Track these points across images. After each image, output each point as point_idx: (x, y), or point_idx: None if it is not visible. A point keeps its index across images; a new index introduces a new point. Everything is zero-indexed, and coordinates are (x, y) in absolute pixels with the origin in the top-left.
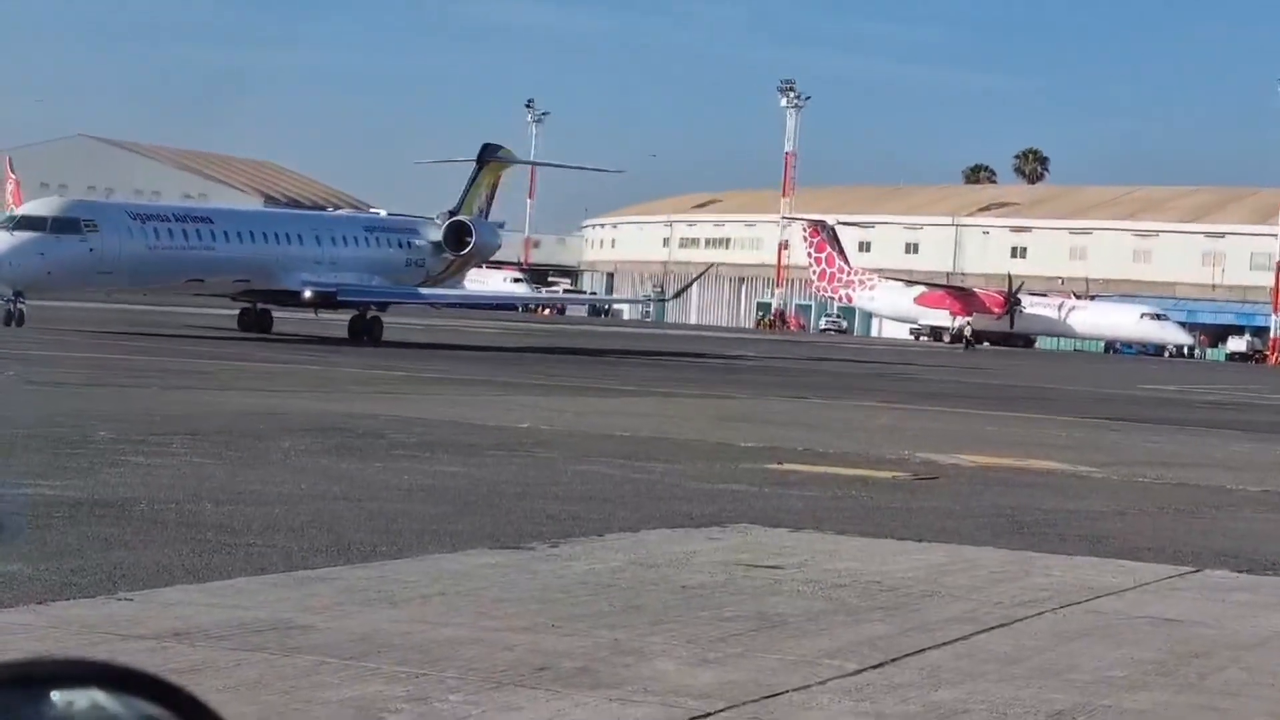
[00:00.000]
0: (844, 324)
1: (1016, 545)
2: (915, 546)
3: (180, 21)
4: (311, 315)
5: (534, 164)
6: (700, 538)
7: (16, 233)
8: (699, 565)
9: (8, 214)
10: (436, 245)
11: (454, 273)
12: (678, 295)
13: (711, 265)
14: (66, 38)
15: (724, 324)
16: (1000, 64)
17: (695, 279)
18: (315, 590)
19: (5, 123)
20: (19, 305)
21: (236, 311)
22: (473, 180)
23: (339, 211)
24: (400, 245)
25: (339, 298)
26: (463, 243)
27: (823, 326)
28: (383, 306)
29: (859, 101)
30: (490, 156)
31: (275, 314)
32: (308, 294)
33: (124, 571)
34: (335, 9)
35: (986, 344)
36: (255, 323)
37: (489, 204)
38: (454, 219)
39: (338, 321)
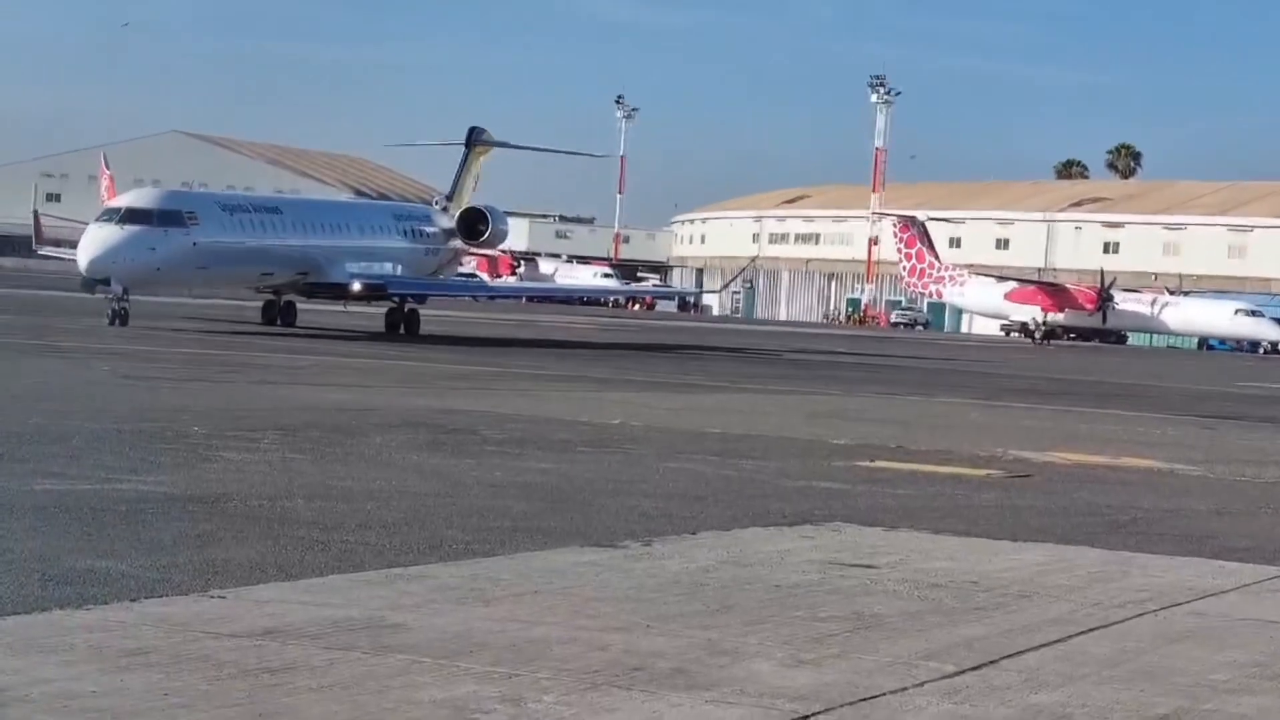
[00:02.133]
0: (922, 317)
1: (1114, 545)
2: (1011, 546)
3: (273, 16)
4: (338, 308)
5: (518, 147)
6: (793, 536)
7: (126, 226)
8: (793, 564)
9: (108, 206)
10: (448, 232)
11: (455, 260)
12: (724, 288)
13: (756, 258)
14: (161, 32)
15: (813, 319)
16: (1092, 59)
17: (740, 272)
18: (408, 588)
19: (101, 119)
20: (124, 304)
21: (259, 304)
22: (463, 164)
23: (360, 200)
24: (419, 235)
25: (390, 291)
26: (477, 231)
27: (894, 319)
28: (421, 299)
29: (950, 97)
30: (477, 140)
31: (300, 307)
32: (357, 287)
33: (216, 569)
34: (424, 4)
35: (1063, 339)
36: (280, 315)
37: (475, 188)
38: (471, 206)
39: (367, 314)
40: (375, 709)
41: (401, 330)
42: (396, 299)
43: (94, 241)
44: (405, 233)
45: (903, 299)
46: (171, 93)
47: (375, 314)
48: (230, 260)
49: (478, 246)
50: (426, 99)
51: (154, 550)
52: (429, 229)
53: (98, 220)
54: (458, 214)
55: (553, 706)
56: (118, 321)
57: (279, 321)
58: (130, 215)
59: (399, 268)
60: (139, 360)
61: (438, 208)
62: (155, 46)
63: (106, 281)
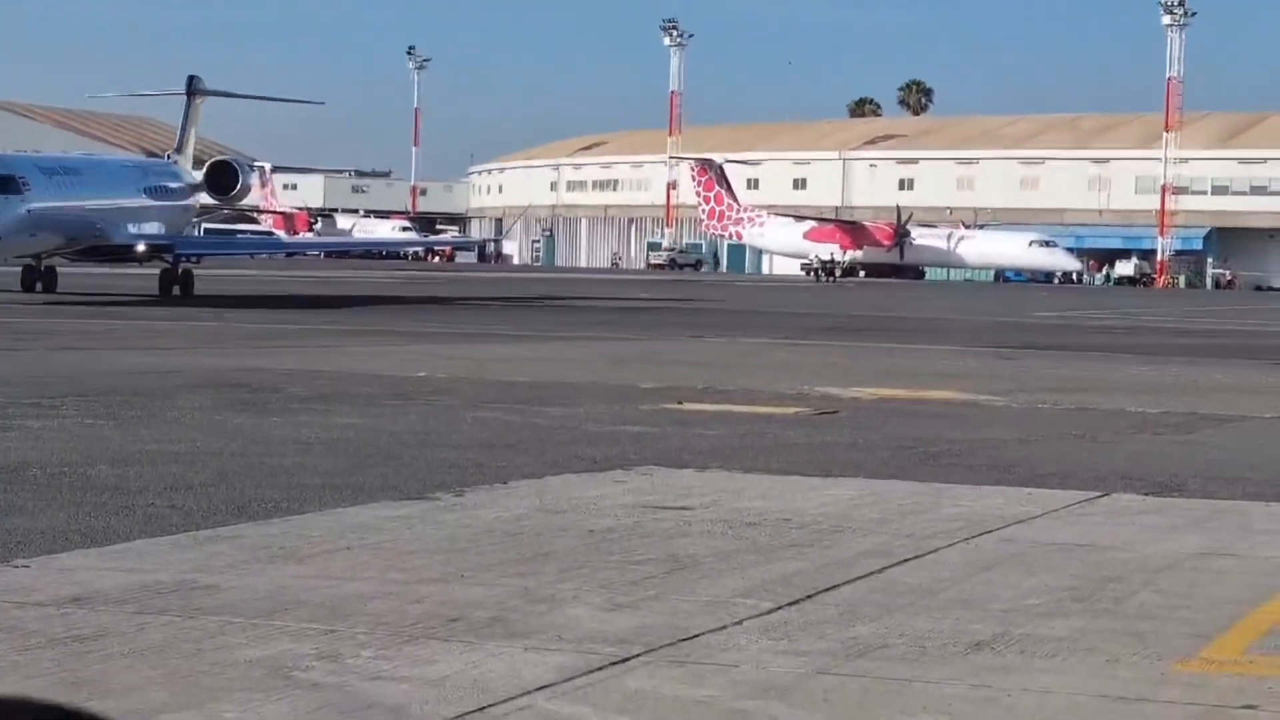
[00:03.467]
0: (691, 258)
1: (924, 477)
2: (822, 482)
3: None
4: (102, 271)
5: (237, 96)
6: (605, 481)
7: None
8: (606, 509)
9: None
10: (195, 187)
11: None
12: (505, 236)
13: (530, 206)
14: None
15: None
16: None
17: (515, 221)
18: (218, 549)
19: None
20: None
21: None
22: (186, 115)
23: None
24: (170, 191)
25: (178, 250)
26: (224, 185)
27: (653, 261)
28: (197, 260)
29: (743, 39)
30: (198, 89)
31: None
32: (142, 248)
33: (19, 538)
34: None
35: (858, 276)
36: (39, 281)
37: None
38: (219, 159)
39: (135, 276)
40: (189, 671)
41: (177, 291)
42: (170, 259)
43: None
44: (159, 190)
45: (662, 239)
46: None
47: (142, 275)
48: (57, 226)
49: (225, 201)
50: (204, 50)
51: None
52: (176, 184)
53: None
54: (206, 167)
55: (371, 661)
56: None
57: (39, 288)
58: None
59: (161, 226)
60: None
61: (172, 161)
62: None
63: None
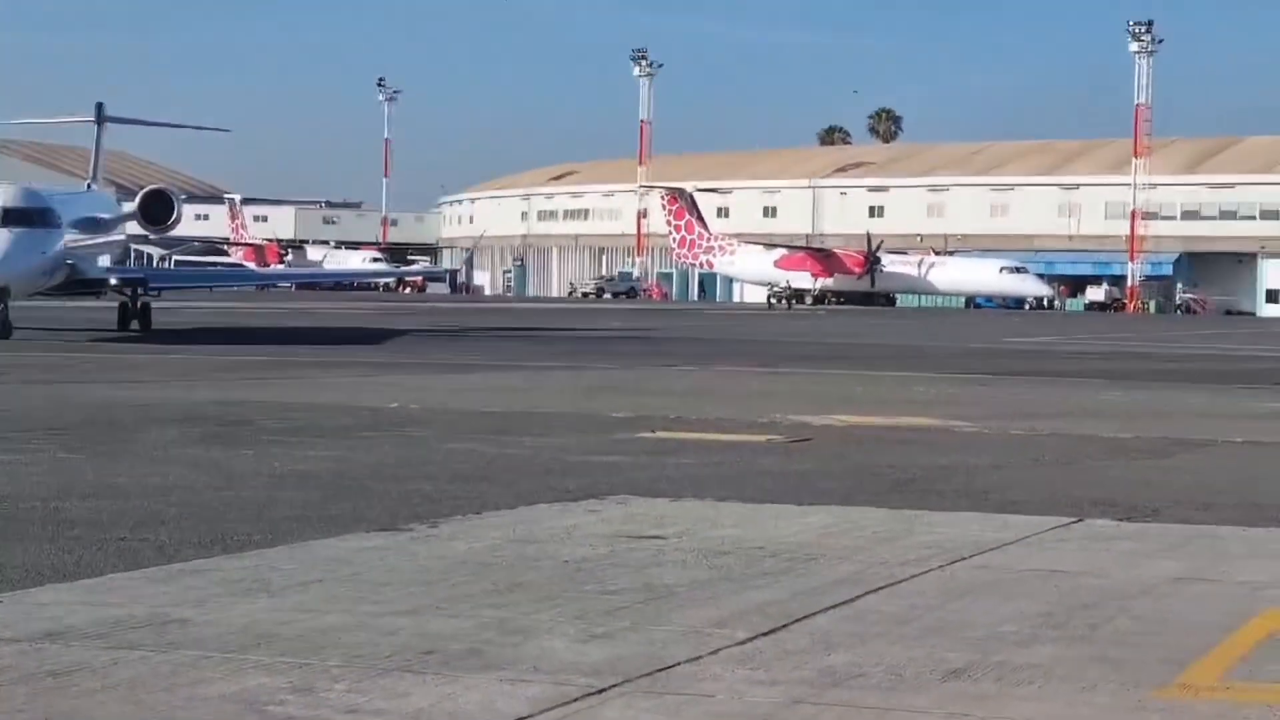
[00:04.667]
0: (624, 285)
1: (897, 504)
2: (796, 510)
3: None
4: (49, 304)
5: (145, 124)
6: (579, 511)
7: (14, 228)
8: (580, 539)
9: None
10: (128, 216)
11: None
12: (465, 264)
13: (483, 235)
14: None
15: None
16: (850, 24)
17: (470, 251)
18: (190, 583)
19: None
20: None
21: None
22: (98, 143)
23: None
24: (108, 224)
25: (151, 284)
26: (158, 216)
27: (583, 290)
28: (158, 293)
29: (711, 68)
30: (106, 116)
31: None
32: (114, 281)
33: None
34: None
35: (825, 304)
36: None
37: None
38: (154, 187)
39: (83, 309)
40: (163, 707)
41: (135, 326)
42: (129, 294)
43: None
44: (100, 222)
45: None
46: None
47: (95, 308)
48: (76, 261)
49: (158, 231)
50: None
51: None
52: (110, 215)
53: None
54: (139, 197)
55: (345, 695)
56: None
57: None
58: (13, 216)
59: (107, 258)
60: None
61: (96, 190)
62: None
63: (5, 291)
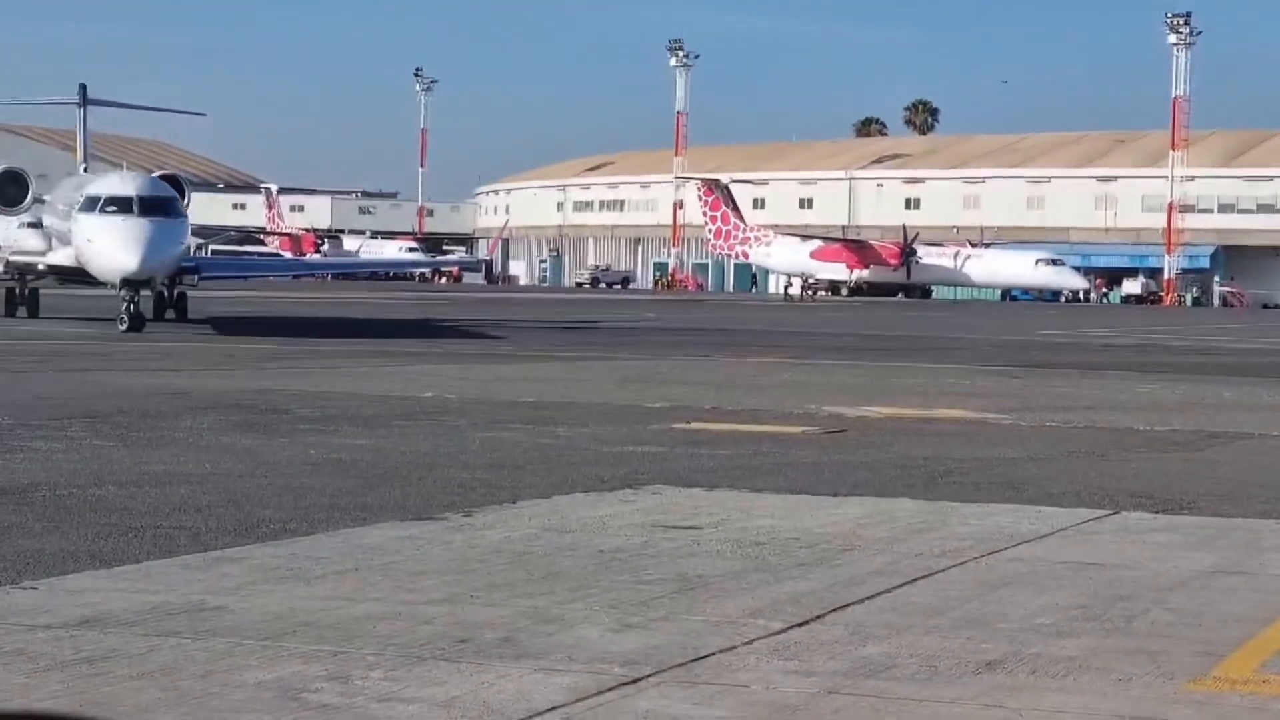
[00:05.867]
0: (616, 276)
1: (932, 496)
2: (831, 501)
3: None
4: (80, 293)
5: (126, 106)
6: (614, 501)
7: (152, 218)
8: (615, 529)
9: (102, 194)
10: None
11: None
12: (492, 255)
13: (506, 224)
14: None
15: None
16: (887, 17)
17: (494, 241)
18: (226, 570)
19: None
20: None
21: None
22: (84, 124)
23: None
24: None
25: (202, 272)
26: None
27: (577, 280)
28: (194, 282)
29: (749, 59)
30: (89, 98)
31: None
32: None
33: (28, 560)
34: None
35: (823, 294)
36: (22, 305)
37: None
38: (165, 174)
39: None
40: (199, 693)
41: (171, 315)
42: (165, 282)
43: (131, 238)
44: None
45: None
46: None
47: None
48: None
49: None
50: (221, 67)
51: None
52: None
53: (100, 211)
54: None
55: (380, 682)
56: (135, 324)
57: (19, 312)
58: (147, 205)
59: None
60: None
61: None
62: None
63: (148, 283)
